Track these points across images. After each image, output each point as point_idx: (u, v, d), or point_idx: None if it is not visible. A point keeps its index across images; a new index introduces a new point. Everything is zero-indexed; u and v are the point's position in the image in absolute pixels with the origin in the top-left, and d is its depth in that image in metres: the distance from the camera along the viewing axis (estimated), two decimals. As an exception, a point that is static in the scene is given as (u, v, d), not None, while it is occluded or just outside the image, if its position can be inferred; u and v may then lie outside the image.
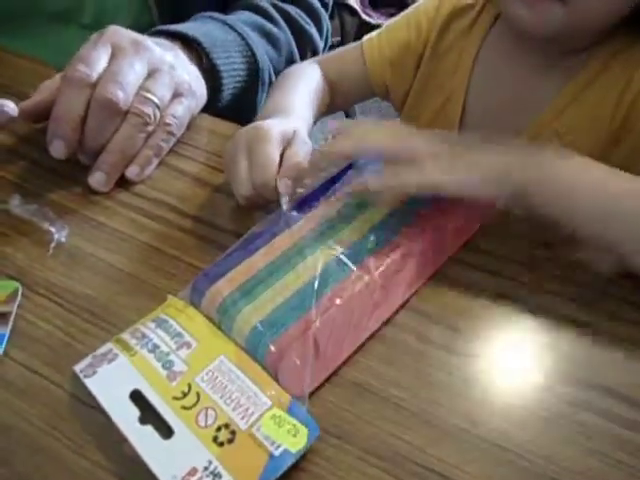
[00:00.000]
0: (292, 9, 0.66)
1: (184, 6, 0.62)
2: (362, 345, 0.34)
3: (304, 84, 0.52)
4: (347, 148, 0.38)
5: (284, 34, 0.64)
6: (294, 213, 0.38)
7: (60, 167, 0.44)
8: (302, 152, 0.39)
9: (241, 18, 0.60)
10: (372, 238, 0.37)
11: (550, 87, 0.47)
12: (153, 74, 0.45)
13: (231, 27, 0.57)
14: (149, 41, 0.46)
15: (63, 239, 0.39)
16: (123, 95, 0.41)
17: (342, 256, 0.35)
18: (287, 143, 0.40)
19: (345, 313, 0.33)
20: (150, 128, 0.44)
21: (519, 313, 0.37)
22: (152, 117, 0.43)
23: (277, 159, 0.38)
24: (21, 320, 0.34)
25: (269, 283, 0.33)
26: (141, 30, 0.54)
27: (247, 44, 0.57)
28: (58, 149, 0.42)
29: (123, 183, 0.44)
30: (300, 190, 0.40)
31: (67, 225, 0.40)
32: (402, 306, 0.36)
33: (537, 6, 0.40)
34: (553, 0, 0.40)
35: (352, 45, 0.60)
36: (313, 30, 0.69)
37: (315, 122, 0.55)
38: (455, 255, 0.40)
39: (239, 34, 0.57)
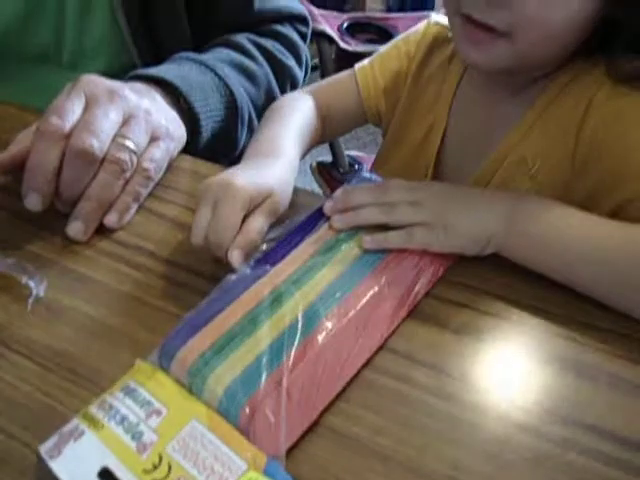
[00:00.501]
0: (269, 43, 0.67)
1: (162, 45, 0.63)
2: (343, 391, 0.33)
3: (295, 118, 0.52)
4: (343, 225, 0.41)
5: (262, 69, 0.65)
6: (266, 266, 0.38)
7: (39, 217, 0.44)
8: (262, 224, 0.39)
9: (218, 56, 0.60)
10: (342, 284, 0.37)
11: (515, 114, 0.48)
12: (129, 120, 0.45)
13: (208, 67, 0.57)
14: (124, 88, 0.46)
15: (42, 293, 0.39)
16: (98, 144, 0.41)
17: (312, 306, 0.35)
18: (255, 205, 0.39)
19: (317, 363, 0.33)
20: (127, 174, 0.44)
21: (499, 348, 0.37)
22: (129, 163, 0.43)
23: (238, 223, 0.38)
24: None
25: (239, 341, 0.33)
26: (120, 69, 0.54)
27: (224, 83, 0.57)
28: (33, 202, 0.42)
29: (103, 230, 0.44)
30: (272, 236, 0.40)
31: (47, 277, 0.39)
32: (381, 347, 0.36)
33: (483, 45, 0.41)
34: (497, 38, 0.40)
35: (344, 74, 0.61)
36: (292, 63, 0.69)
37: (305, 154, 0.55)
38: (430, 290, 0.40)
39: (216, 74, 0.57)
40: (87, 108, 0.43)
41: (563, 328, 0.38)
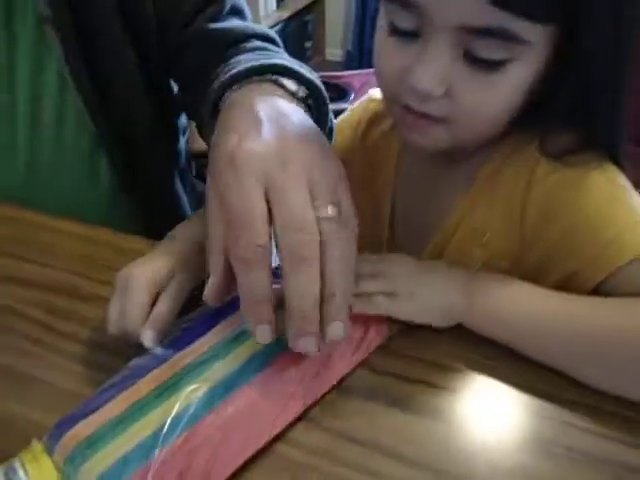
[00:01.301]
0: None
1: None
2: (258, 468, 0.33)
3: None
4: None
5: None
6: (170, 350, 0.38)
7: None
8: (168, 305, 0.39)
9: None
10: (252, 364, 0.37)
11: (460, 185, 0.48)
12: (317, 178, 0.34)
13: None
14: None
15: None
16: (308, 236, 0.32)
17: (202, 395, 0.34)
18: (161, 287, 0.40)
19: (189, 456, 0.32)
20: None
21: (429, 426, 0.36)
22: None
23: (144, 310, 0.38)
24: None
25: (118, 431, 0.33)
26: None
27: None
28: (265, 335, 0.34)
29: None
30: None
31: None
32: (300, 419, 0.36)
33: (422, 129, 0.42)
34: (435, 123, 0.41)
35: None
36: None
37: None
38: (366, 359, 0.40)
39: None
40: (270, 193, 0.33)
41: (511, 401, 0.38)
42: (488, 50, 0.37)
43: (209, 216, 0.36)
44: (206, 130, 0.43)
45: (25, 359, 0.40)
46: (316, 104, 0.45)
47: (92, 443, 0.32)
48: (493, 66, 0.37)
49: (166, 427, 0.33)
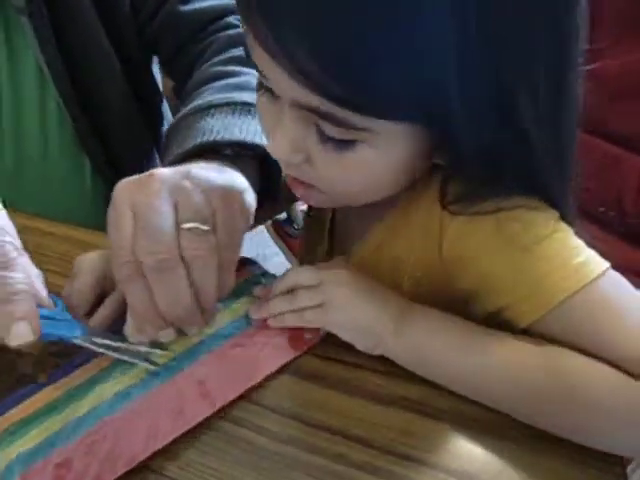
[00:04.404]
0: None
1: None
2: (197, 440, 0.34)
3: None
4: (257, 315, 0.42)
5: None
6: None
7: None
8: (113, 307, 0.40)
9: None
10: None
11: (379, 212, 0.44)
12: (180, 198, 0.37)
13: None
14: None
15: None
16: (164, 247, 0.35)
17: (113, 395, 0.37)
18: (104, 272, 0.40)
19: (114, 441, 0.34)
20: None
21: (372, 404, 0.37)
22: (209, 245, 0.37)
23: (88, 291, 0.40)
24: None
25: (42, 420, 0.35)
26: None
27: None
28: (167, 335, 0.38)
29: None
30: None
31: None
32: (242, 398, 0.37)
33: (302, 190, 0.40)
34: (308, 187, 0.39)
35: None
36: None
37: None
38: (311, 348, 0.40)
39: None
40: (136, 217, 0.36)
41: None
42: (332, 130, 0.33)
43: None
44: None
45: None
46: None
47: (12, 432, 0.34)
48: (344, 145, 0.34)
49: (67, 428, 0.34)
